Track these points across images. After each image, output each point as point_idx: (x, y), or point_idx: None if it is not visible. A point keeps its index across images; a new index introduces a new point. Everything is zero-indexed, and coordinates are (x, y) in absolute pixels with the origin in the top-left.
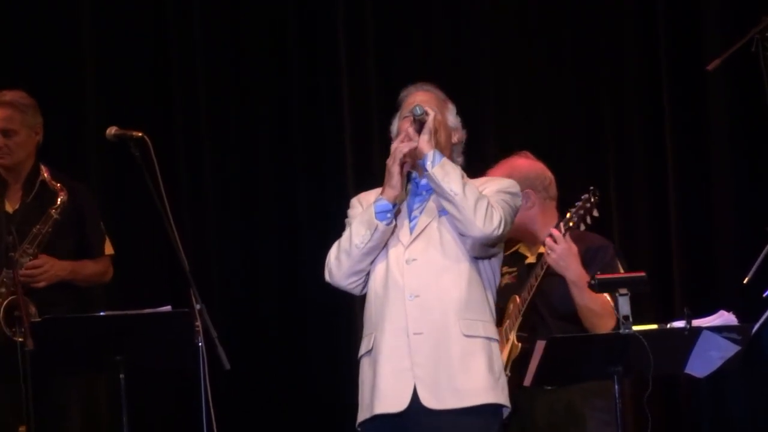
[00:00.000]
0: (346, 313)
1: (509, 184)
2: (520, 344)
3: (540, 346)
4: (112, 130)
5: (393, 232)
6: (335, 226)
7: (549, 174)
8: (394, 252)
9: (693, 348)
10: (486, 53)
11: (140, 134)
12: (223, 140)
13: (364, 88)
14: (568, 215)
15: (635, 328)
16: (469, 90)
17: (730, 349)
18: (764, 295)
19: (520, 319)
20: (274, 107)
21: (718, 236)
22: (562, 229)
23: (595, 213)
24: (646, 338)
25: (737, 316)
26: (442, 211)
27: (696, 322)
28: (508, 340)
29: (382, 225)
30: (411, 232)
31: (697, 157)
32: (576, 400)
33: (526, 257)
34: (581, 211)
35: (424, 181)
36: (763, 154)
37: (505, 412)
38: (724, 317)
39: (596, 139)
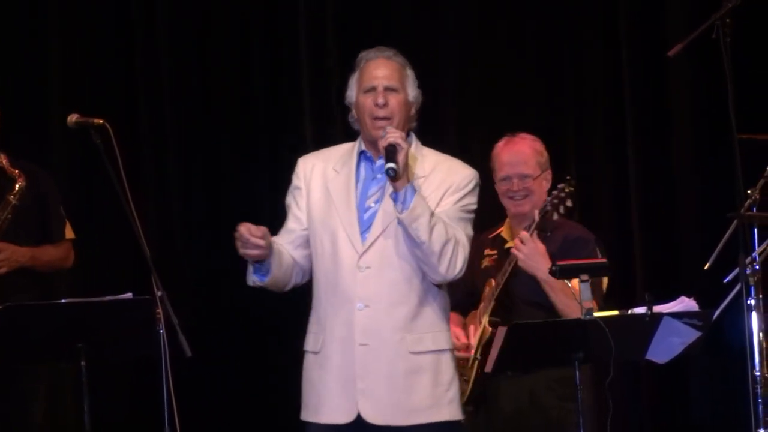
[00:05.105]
0: (309, 301)
1: (469, 180)
2: (491, 328)
3: (501, 331)
4: (73, 118)
5: (338, 217)
6: None
7: None
8: (346, 255)
9: (654, 334)
10: (448, 36)
11: (101, 121)
12: (186, 128)
13: (324, 72)
14: (543, 204)
15: (596, 314)
16: (430, 72)
17: (690, 335)
18: (725, 280)
19: (493, 303)
20: (237, 93)
21: (680, 222)
22: (531, 229)
23: (569, 203)
24: (607, 324)
25: (698, 302)
26: (400, 222)
27: (657, 308)
28: (480, 323)
29: (261, 283)
30: (362, 227)
31: (658, 143)
32: (538, 388)
33: (506, 241)
34: (555, 200)
35: (379, 163)
36: (725, 140)
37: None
38: (685, 303)
39: (557, 125)
